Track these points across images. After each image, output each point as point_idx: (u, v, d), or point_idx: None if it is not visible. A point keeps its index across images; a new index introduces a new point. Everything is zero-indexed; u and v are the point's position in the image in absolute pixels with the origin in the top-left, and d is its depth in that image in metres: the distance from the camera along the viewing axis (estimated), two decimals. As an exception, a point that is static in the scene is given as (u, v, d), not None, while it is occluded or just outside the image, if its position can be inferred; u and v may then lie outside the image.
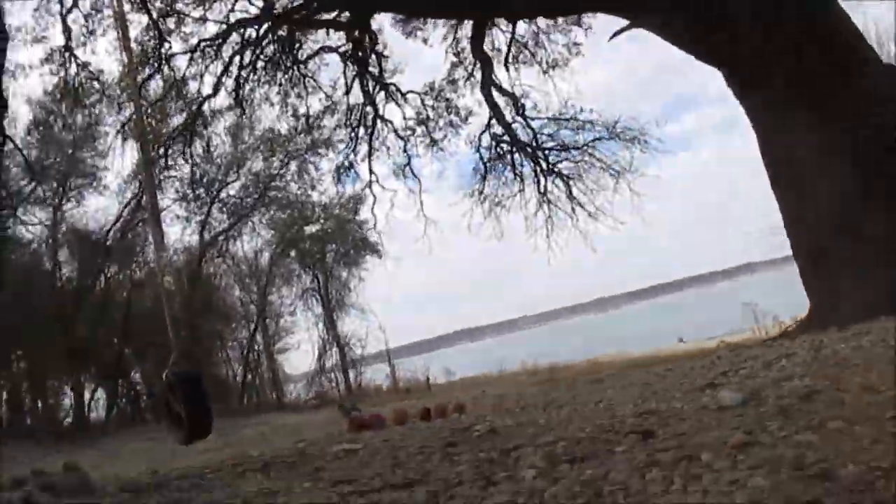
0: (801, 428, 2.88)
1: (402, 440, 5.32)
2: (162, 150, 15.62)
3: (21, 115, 20.21)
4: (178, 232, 22.65)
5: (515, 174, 16.70)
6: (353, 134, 16.32)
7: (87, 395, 20.71)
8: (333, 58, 15.02)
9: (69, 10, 12.59)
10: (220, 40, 13.83)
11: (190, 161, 17.00)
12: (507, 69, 15.43)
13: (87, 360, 20.13)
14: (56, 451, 10.24)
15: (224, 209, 22.63)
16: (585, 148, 16.52)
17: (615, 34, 11.54)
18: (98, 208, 24.90)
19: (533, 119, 16.25)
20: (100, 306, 20.78)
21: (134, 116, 12.81)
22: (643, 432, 3.41)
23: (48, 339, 18.89)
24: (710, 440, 2.83)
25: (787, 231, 10.51)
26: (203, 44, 13.87)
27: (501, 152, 16.59)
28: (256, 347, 24.24)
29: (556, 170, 16.75)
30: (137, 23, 12.91)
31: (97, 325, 20.66)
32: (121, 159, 28.21)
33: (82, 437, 16.13)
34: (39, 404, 19.64)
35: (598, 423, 4.20)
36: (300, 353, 25.74)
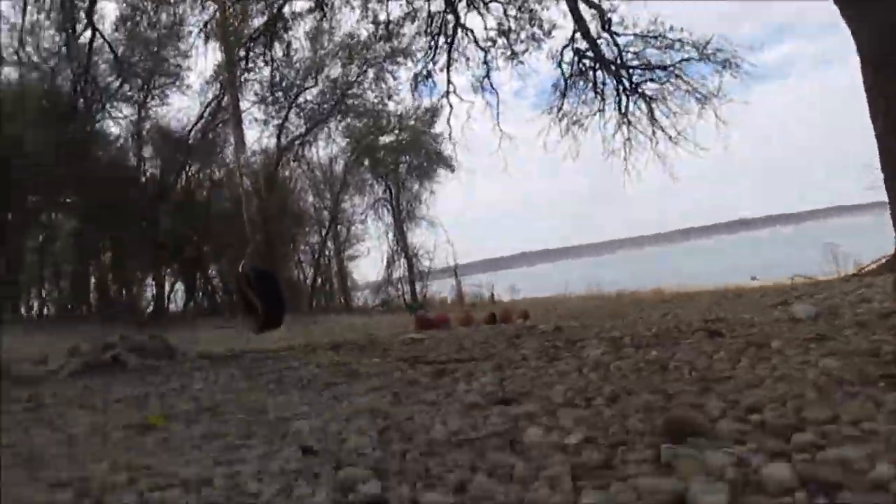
0: (879, 332, 2.81)
1: (466, 335, 5.44)
2: (243, 52, 15.72)
3: (108, 11, 20.66)
4: (257, 134, 23.04)
5: (596, 92, 16.20)
6: (432, 42, 16.05)
7: (167, 288, 21.80)
8: (417, -39, 14.68)
9: None
10: (304, -61, 13.67)
11: (270, 64, 17.11)
12: (596, -22, 14.77)
13: (168, 254, 21.07)
14: (139, 334, 10.70)
15: (301, 114, 22.81)
16: (672, 68, 15.84)
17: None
18: (181, 108, 25.54)
19: (619, 35, 15.61)
20: (181, 203, 21.55)
21: (217, 16, 12.89)
22: (711, 332, 3.39)
23: (134, 232, 19.80)
24: (781, 337, 2.80)
25: (882, 170, 9.95)
26: (287, -58, 13.74)
27: (584, 68, 16.06)
28: (327, 252, 24.86)
29: (639, 90, 16.18)
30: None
31: (178, 221, 21.49)
32: (203, 59, 28.71)
33: (162, 324, 16.99)
34: (124, 293, 20.76)
35: (664, 327, 4.19)
36: (369, 262, 26.25)
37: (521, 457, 1.41)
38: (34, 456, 2.30)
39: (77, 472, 1.93)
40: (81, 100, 18.10)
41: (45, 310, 21.13)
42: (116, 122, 20.77)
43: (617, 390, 1.88)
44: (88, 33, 14.60)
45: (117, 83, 19.29)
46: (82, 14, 14.39)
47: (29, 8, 15.92)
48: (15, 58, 17.17)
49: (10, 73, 18.16)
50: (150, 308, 20.70)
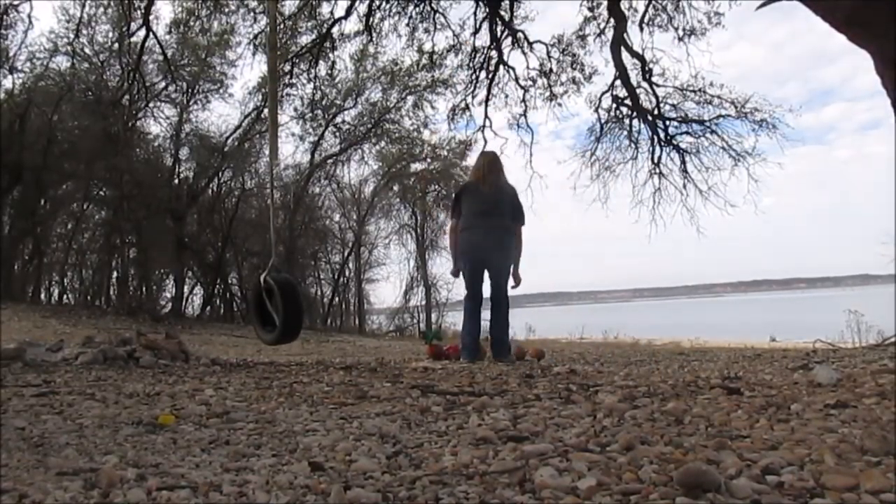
0: (901, 407, 2.75)
1: (479, 369, 5.41)
2: (288, 67, 15.97)
3: (163, 13, 21.16)
4: (292, 149, 23.35)
5: (631, 140, 16.22)
6: (473, 76, 16.19)
7: (185, 290, 22.00)
8: (466, -4, 14.88)
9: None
10: (359, -38, 13.89)
11: (313, 82, 17.33)
12: (641, 29, 14.85)
13: (191, 257, 21.29)
14: (155, 332, 10.88)
15: (337, 134, 23.14)
16: (708, 124, 15.84)
17: (763, 4, 10.90)
18: (221, 114, 26.06)
19: (658, 86, 15.66)
20: (209, 208, 21.83)
21: (267, 28, 13.11)
22: (729, 389, 3.34)
23: (160, 231, 20.06)
24: (800, 400, 2.75)
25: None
26: (342, -36, 13.99)
27: (620, 115, 16.12)
28: (347, 273, 24.98)
29: (674, 142, 16.18)
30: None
31: (205, 225, 21.76)
32: (249, 69, 29.20)
33: (177, 325, 17.11)
34: (144, 289, 20.98)
35: (680, 379, 4.14)
36: (387, 287, 26.44)
37: (531, 495, 1.40)
38: (44, 442, 2.32)
39: (86, 463, 1.94)
40: (127, 96, 18.48)
41: (65, 298, 21.41)
42: (157, 122, 21.22)
43: (631, 438, 1.86)
44: (142, 32, 14.92)
45: (163, 84, 19.71)
46: (138, 13, 14.72)
47: (88, 2, 16.38)
48: (69, 48, 17.65)
49: (63, 62, 18.69)
50: (168, 308, 20.89)
